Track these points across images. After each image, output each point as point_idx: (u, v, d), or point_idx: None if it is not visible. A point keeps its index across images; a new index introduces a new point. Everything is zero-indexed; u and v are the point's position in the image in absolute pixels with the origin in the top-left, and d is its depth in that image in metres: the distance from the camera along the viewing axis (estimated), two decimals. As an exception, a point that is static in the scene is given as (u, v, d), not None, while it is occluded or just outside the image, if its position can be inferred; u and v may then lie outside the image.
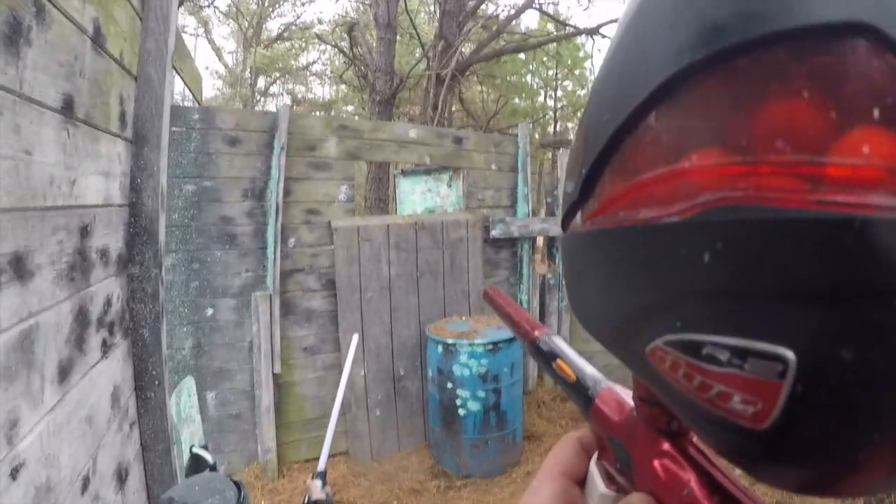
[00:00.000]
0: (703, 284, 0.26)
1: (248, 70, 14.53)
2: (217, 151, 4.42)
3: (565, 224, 0.40)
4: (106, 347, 2.23)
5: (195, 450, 2.94)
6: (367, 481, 4.60)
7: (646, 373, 0.32)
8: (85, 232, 2.07)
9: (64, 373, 1.81)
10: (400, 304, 5.03)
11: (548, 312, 5.83)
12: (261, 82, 15.31)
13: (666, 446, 0.39)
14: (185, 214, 4.36)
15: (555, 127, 14.55)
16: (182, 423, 2.97)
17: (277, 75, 15.34)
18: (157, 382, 2.67)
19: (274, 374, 4.52)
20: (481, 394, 4.54)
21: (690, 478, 0.37)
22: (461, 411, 4.57)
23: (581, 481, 0.49)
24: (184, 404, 3.05)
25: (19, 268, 1.57)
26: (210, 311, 4.42)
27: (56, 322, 1.78)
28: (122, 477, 2.32)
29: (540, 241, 6.13)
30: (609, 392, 0.48)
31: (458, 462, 4.68)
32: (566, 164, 0.39)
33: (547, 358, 0.54)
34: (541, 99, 14.16)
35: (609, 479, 0.45)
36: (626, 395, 0.47)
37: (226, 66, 15.69)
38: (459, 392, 4.55)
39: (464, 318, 5.13)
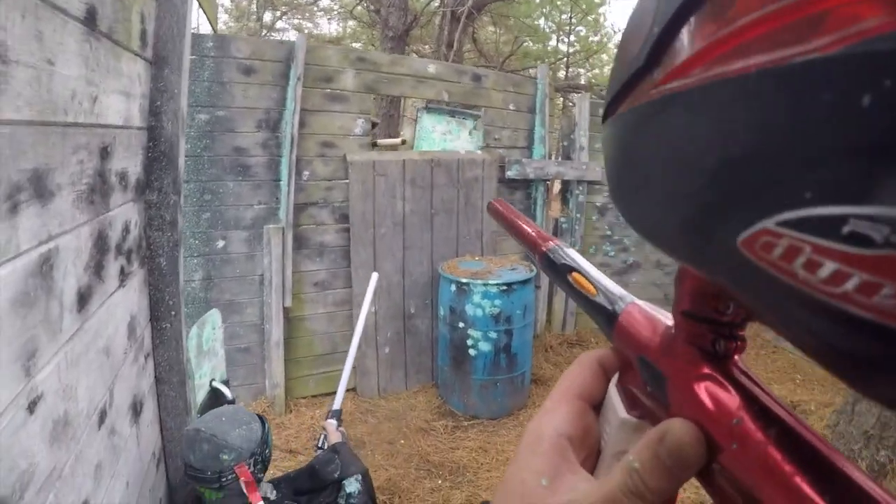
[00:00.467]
0: (857, 137, 0.20)
1: (255, 4, 14.14)
2: (231, 81, 4.30)
3: (611, 109, 0.35)
4: (123, 276, 2.17)
5: (215, 384, 2.94)
6: (375, 419, 4.61)
7: (733, 270, 0.26)
8: (105, 153, 1.98)
9: (83, 301, 1.74)
10: (413, 241, 4.96)
11: (560, 257, 5.77)
12: (267, 17, 14.92)
13: (710, 369, 0.35)
14: (198, 144, 4.27)
15: (566, 72, 14.28)
16: (203, 355, 2.92)
17: (284, 10, 14.93)
18: (173, 313, 2.62)
19: (284, 308, 4.48)
20: (493, 335, 4.51)
21: (741, 405, 0.32)
22: (472, 352, 4.55)
23: (597, 405, 0.45)
24: (206, 337, 3.00)
25: (39, 186, 1.48)
26: (221, 243, 4.36)
27: (76, 247, 1.71)
28: (137, 410, 2.28)
29: (556, 186, 6.01)
30: (636, 308, 0.43)
31: (466, 402, 4.68)
32: (624, 31, 0.34)
33: (561, 271, 0.51)
34: (552, 43, 13.85)
35: (631, 404, 0.42)
36: (658, 313, 0.42)
37: None
38: (471, 332, 4.52)
39: (476, 258, 5.07)
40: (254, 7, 14.11)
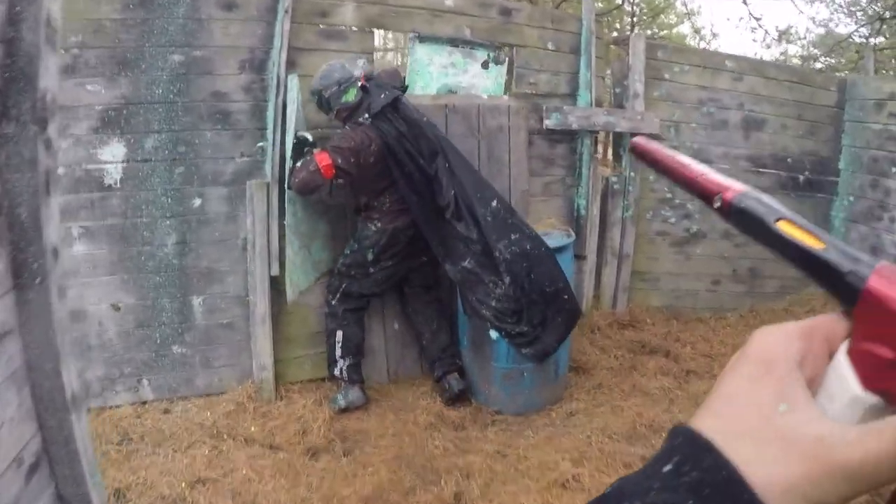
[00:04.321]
0: None
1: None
2: (210, 17, 3.77)
3: None
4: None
5: (300, 134, 3.65)
6: (380, 408, 3.96)
7: None
8: None
9: None
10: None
11: (609, 222, 4.88)
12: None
13: None
14: (171, 89, 3.74)
15: (631, 31, 13.31)
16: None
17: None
18: (38, 280, 2.01)
19: (271, 278, 3.87)
20: (517, 314, 3.76)
21: None
22: (493, 334, 3.81)
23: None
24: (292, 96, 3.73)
25: None
26: (197, 202, 3.84)
27: None
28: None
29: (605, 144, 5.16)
30: (892, 267, 0.38)
31: (488, 394, 3.97)
32: None
33: (763, 218, 0.44)
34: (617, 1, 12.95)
35: (871, 378, 0.38)
36: None
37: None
38: (491, 310, 3.78)
39: (503, 221, 4.31)
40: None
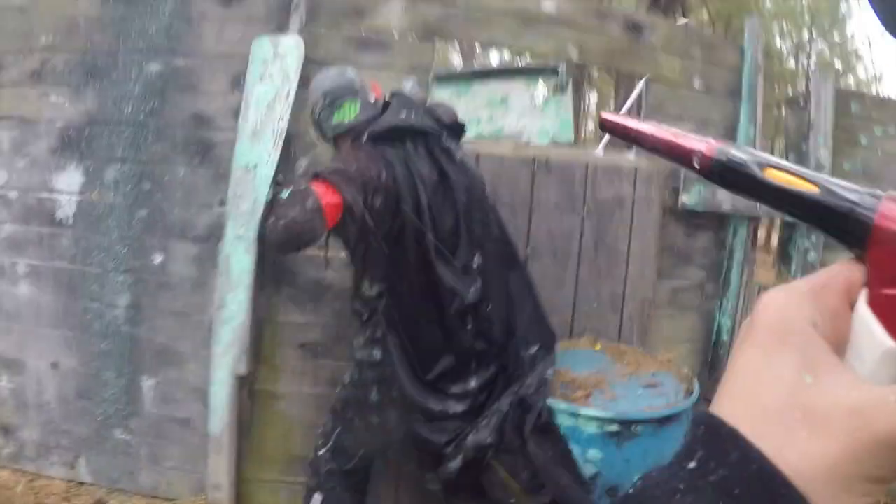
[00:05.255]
0: None
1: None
2: (202, 15, 2.89)
3: None
4: None
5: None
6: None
7: None
8: None
9: None
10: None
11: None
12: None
13: None
14: (142, 107, 2.91)
15: (806, 88, 11.96)
16: None
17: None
18: None
19: (238, 378, 2.81)
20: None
21: None
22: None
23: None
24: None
25: None
26: (159, 258, 2.94)
27: None
28: None
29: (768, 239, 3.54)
30: None
31: None
32: None
33: (745, 169, 0.39)
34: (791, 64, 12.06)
35: None
36: None
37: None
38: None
39: (599, 347, 2.86)
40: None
